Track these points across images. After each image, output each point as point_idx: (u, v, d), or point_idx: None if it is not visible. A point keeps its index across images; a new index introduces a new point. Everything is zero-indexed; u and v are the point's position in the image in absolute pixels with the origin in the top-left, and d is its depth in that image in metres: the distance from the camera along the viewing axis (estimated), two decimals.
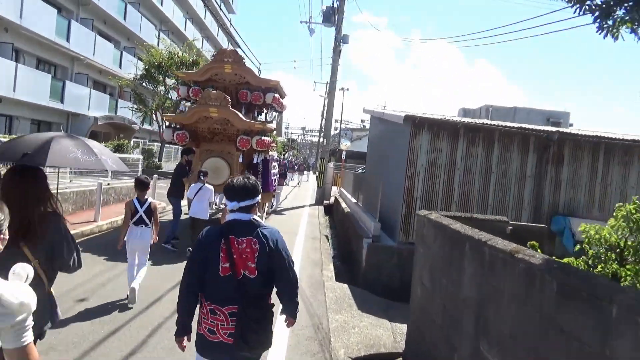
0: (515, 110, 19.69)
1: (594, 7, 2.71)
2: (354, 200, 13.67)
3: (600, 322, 1.80)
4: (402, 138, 8.80)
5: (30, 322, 1.49)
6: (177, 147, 29.98)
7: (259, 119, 12.16)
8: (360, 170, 24.70)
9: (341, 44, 19.34)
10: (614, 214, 3.40)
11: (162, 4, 31.99)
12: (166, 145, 26.35)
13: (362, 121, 70.83)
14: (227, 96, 9.96)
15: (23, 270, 1.55)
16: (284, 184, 18.93)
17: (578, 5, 2.74)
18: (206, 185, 7.66)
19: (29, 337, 1.48)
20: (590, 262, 3.53)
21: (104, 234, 9.30)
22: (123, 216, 5.65)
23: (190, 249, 6.81)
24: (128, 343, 4.33)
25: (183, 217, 9.08)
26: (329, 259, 8.97)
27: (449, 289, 3.73)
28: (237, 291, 2.29)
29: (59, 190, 5.99)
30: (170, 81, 24.21)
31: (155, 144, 27.06)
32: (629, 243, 3.35)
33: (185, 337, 2.44)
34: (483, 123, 8.61)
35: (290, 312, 2.60)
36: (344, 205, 15.07)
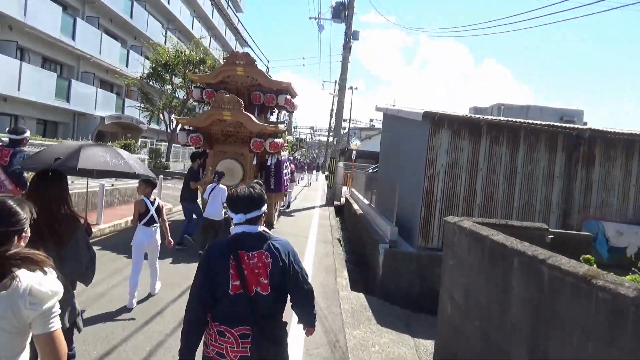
0: (528, 108, 19.07)
1: None
2: (366, 202, 13.14)
3: None
4: (420, 136, 8.26)
5: (57, 310, 1.60)
6: (185, 147, 29.76)
7: (270, 119, 12.30)
8: (370, 170, 24.19)
9: (351, 40, 18.80)
10: None
11: (169, 2, 31.65)
12: (174, 145, 26.04)
13: (371, 120, 70.22)
14: (240, 100, 10.07)
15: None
16: (295, 182, 18.86)
17: None
18: (220, 185, 7.54)
19: (56, 324, 1.59)
20: None
21: (106, 238, 8.88)
22: (128, 219, 5.40)
23: (202, 252, 7.05)
24: None
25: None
26: (343, 265, 8.46)
27: (491, 311, 3.21)
28: (248, 310, 2.11)
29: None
30: (177, 80, 23.86)
31: (163, 143, 26.73)
32: None
33: None
34: (508, 120, 8.04)
35: (309, 322, 2.42)
36: (355, 206, 14.54)
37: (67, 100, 21.02)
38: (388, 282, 7.51)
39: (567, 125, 8.62)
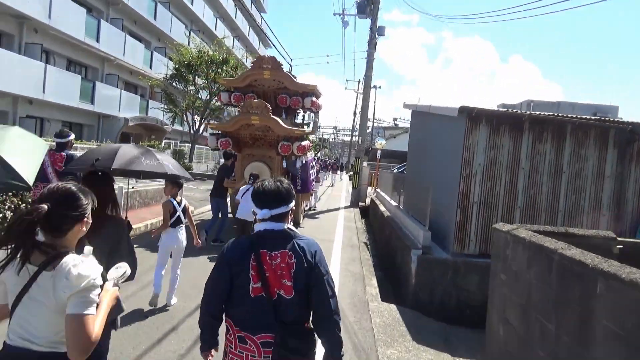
0: (559, 105, 18.13)
1: None
2: (394, 203, 12.54)
3: None
4: (455, 134, 7.65)
5: (94, 298, 1.66)
6: (208, 148, 29.67)
7: (296, 120, 12.59)
8: (395, 170, 23.49)
9: (377, 36, 18.18)
10: None
11: (192, 3, 31.65)
12: (197, 146, 25.93)
13: (395, 119, 69.33)
14: (267, 104, 10.35)
15: (127, 269, 1.91)
16: (320, 182, 18.77)
17: None
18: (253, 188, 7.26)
19: (91, 310, 1.63)
20: None
21: None
22: (148, 222, 5.27)
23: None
24: None
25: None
26: (371, 272, 7.90)
27: (563, 343, 2.63)
28: (271, 315, 1.94)
29: None
30: (200, 81, 23.70)
31: (187, 145, 26.66)
32: None
33: (212, 350, 2.14)
34: (553, 115, 7.35)
35: (332, 352, 2.01)
36: (382, 208, 13.95)
37: (92, 102, 21.10)
38: (421, 291, 6.93)
39: (621, 119, 7.84)
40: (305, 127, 11.76)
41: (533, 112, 7.38)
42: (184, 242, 5.24)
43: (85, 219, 1.79)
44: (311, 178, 11.95)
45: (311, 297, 1.99)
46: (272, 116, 10.23)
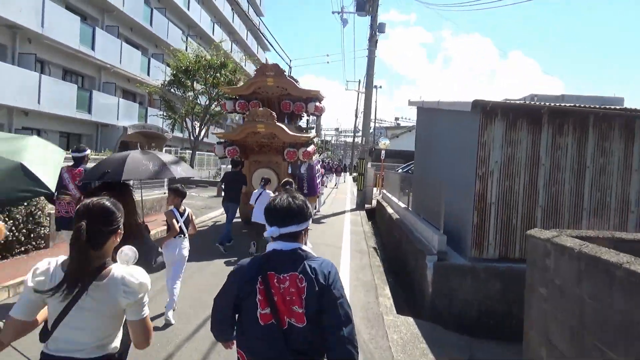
0: (563, 97, 17.63)
1: None
2: (402, 205, 12.04)
3: None
4: (469, 130, 7.16)
5: (147, 300, 1.85)
6: (209, 154, 29.29)
7: (299, 123, 12.96)
8: (400, 170, 22.99)
9: (377, 33, 17.72)
10: None
11: (188, 9, 31.28)
12: (198, 152, 25.49)
13: (397, 119, 68.82)
14: (273, 112, 10.65)
15: (131, 251, 1.89)
16: (325, 185, 18.78)
17: None
18: (266, 191, 7.82)
19: (146, 311, 1.84)
20: None
21: None
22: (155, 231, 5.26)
23: (253, 250, 7.99)
24: None
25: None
26: (383, 280, 7.41)
27: None
28: (282, 346, 1.75)
29: None
30: (198, 86, 23.26)
31: (187, 151, 26.21)
32: None
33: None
34: (574, 106, 6.85)
35: None
36: (390, 210, 13.45)
37: (89, 111, 20.69)
38: (439, 301, 6.43)
39: None
40: (311, 132, 12.13)
41: (552, 104, 6.88)
42: (186, 253, 5.11)
43: (120, 231, 1.92)
44: (317, 181, 12.11)
45: (322, 323, 1.76)
46: (277, 123, 10.53)
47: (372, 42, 17.80)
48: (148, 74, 25.67)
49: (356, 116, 58.00)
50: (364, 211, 17.07)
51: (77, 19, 19.29)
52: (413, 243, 8.25)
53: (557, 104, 6.90)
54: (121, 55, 22.98)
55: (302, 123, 13.55)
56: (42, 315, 1.86)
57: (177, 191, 5.08)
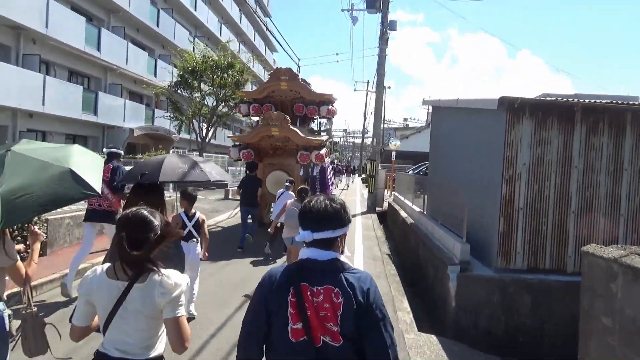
0: (576, 97, 17.02)
1: None
2: (416, 209, 11.50)
3: None
4: (493, 129, 6.62)
5: (183, 300, 1.93)
6: (217, 156, 28.87)
7: (311, 126, 13.33)
8: (411, 172, 22.41)
9: (388, 30, 17.19)
10: None
11: (195, 9, 30.98)
12: (205, 154, 25.12)
13: (405, 120, 68.11)
14: (286, 116, 10.94)
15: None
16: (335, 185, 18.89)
17: None
18: (289, 192, 7.92)
19: (182, 311, 1.91)
20: None
21: None
22: None
23: (268, 250, 8.19)
24: None
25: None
26: (401, 292, 6.88)
27: None
28: None
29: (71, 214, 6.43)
30: (205, 87, 22.88)
31: (195, 153, 25.86)
32: None
33: None
34: (611, 103, 6.27)
35: None
36: (403, 214, 12.90)
37: (95, 113, 20.40)
38: (463, 316, 5.89)
39: None
40: (323, 134, 12.54)
41: (586, 100, 6.32)
42: (197, 256, 5.03)
43: (159, 238, 1.99)
44: (329, 182, 12.38)
45: (364, 346, 1.61)
46: (291, 127, 10.84)
47: (383, 40, 17.27)
48: (155, 75, 25.36)
49: (365, 117, 57.46)
50: (375, 214, 16.54)
51: (82, 20, 19.01)
52: (431, 251, 7.72)
53: (592, 101, 6.33)
54: (127, 56, 22.69)
55: (314, 126, 13.90)
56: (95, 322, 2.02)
57: (185, 194, 4.90)
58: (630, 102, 6.47)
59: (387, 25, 16.98)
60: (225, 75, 22.00)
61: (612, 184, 6.25)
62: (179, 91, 22.79)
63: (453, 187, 8.36)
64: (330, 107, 12.12)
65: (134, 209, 2.01)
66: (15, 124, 16.93)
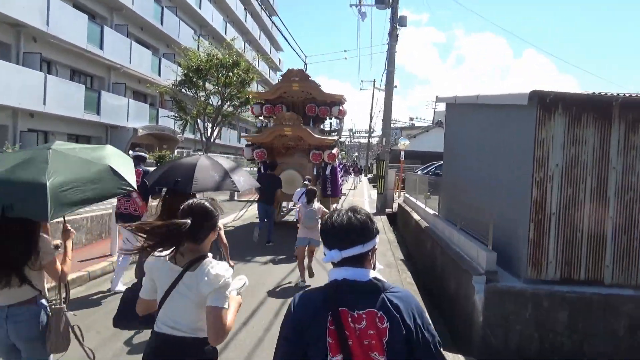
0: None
1: None
2: (431, 212, 10.95)
3: None
4: (522, 126, 6.08)
5: (228, 294, 2.01)
6: (222, 156, 28.38)
7: (322, 126, 13.70)
8: (419, 172, 21.84)
9: (398, 27, 16.64)
10: None
11: (200, 8, 30.54)
12: (210, 154, 24.69)
13: (411, 119, 67.36)
14: (299, 116, 11.32)
15: (242, 280, 2.37)
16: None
17: None
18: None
19: (223, 303, 1.97)
20: None
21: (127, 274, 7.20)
22: None
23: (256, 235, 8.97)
24: None
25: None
26: (421, 305, 6.35)
27: None
28: None
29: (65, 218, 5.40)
30: (210, 86, 22.41)
31: (200, 153, 25.43)
32: None
33: None
34: None
35: None
36: (415, 216, 12.36)
37: (98, 112, 19.99)
38: (492, 333, 5.35)
39: None
40: (334, 134, 12.81)
41: (625, 94, 5.75)
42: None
43: (216, 228, 2.18)
44: (340, 182, 12.57)
45: None
46: (303, 127, 11.15)
47: (393, 36, 16.74)
48: (159, 75, 24.91)
49: (371, 117, 56.91)
50: (385, 216, 15.99)
51: (84, 17, 18.60)
52: (451, 258, 7.18)
53: (632, 95, 5.76)
54: (131, 55, 22.27)
55: (323, 126, 14.13)
56: None
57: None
58: None
59: (397, 21, 16.43)
60: (231, 73, 21.54)
61: None
62: (183, 90, 22.35)
63: (473, 190, 7.83)
64: (341, 107, 12.37)
65: (196, 199, 2.17)
66: (16, 124, 16.55)
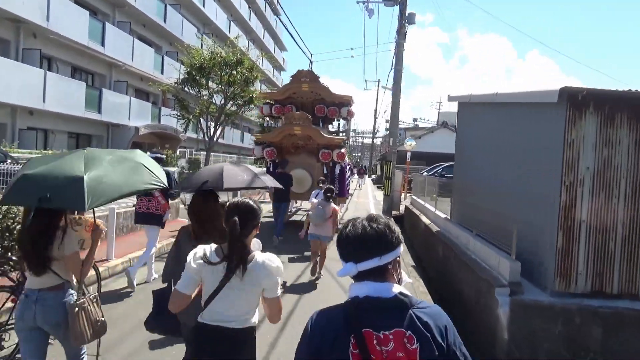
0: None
1: None
2: (442, 215, 10.51)
3: None
4: (549, 126, 5.64)
5: (281, 282, 2.22)
6: (225, 156, 28.03)
7: (330, 127, 13.91)
8: (426, 173, 21.38)
9: (407, 24, 16.19)
10: None
11: (204, 5, 30.16)
12: (212, 154, 24.24)
13: (415, 120, 66.89)
14: (309, 116, 11.46)
15: (257, 244, 2.42)
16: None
17: None
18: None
19: (279, 291, 2.21)
20: None
21: (120, 279, 6.80)
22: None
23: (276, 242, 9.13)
24: None
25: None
26: None
27: None
28: None
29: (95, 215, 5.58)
30: (213, 84, 22.01)
31: (202, 153, 24.99)
32: None
33: None
34: None
35: None
36: (425, 219, 11.91)
37: (99, 111, 19.60)
38: (519, 351, 4.90)
39: None
40: (342, 135, 13.06)
41: None
42: None
43: (259, 225, 2.32)
44: (347, 182, 12.89)
45: None
46: (313, 126, 11.33)
47: (401, 34, 16.24)
48: (162, 73, 24.53)
49: (375, 117, 56.48)
50: (392, 219, 15.56)
51: (85, 13, 18.22)
52: (468, 266, 6.74)
53: None
54: (133, 53, 21.90)
55: (330, 127, 14.35)
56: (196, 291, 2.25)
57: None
58: None
59: (406, 19, 15.97)
60: (234, 72, 21.13)
61: None
62: (186, 89, 21.95)
63: (491, 193, 7.38)
64: (350, 109, 12.66)
65: (241, 198, 2.31)
66: (15, 122, 16.17)
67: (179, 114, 22.40)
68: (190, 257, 2.21)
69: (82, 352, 2.95)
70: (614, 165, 5.25)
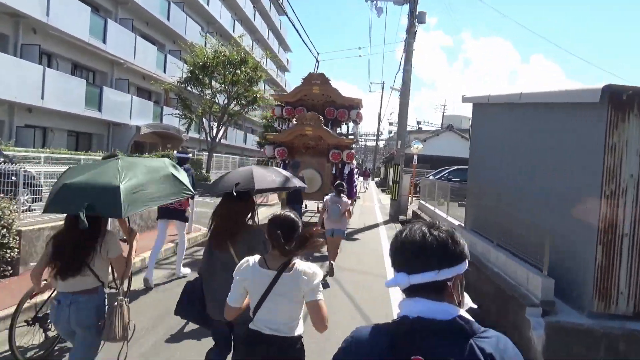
0: None
1: None
2: (455, 222, 9.99)
3: None
4: (586, 129, 5.12)
5: (321, 288, 2.28)
6: (227, 156, 27.57)
7: (338, 130, 14.04)
8: (431, 177, 20.84)
9: (416, 23, 15.71)
10: None
11: (208, 4, 29.78)
12: (215, 154, 23.78)
13: (418, 123, 66.35)
14: (320, 116, 11.62)
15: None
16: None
17: None
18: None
19: (321, 296, 2.25)
20: None
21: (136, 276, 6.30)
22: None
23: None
24: None
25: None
26: None
27: None
28: None
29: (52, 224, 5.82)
30: (216, 84, 21.55)
31: (204, 153, 24.55)
32: None
33: None
34: None
35: None
36: None
37: (99, 109, 19.17)
38: None
39: None
40: (351, 137, 13.30)
41: None
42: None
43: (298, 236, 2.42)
44: (355, 183, 13.09)
45: None
46: (324, 127, 11.52)
47: (411, 33, 15.79)
48: (164, 71, 24.15)
49: (379, 120, 56.03)
50: (400, 224, 15.05)
51: (86, 9, 17.80)
52: (491, 280, 6.22)
53: None
54: (135, 50, 21.49)
55: (339, 130, 14.45)
56: (245, 302, 2.37)
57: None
58: None
59: (416, 17, 15.49)
60: (238, 71, 20.67)
61: None
62: (188, 88, 21.48)
63: (514, 202, 6.85)
64: (359, 111, 12.95)
65: (284, 212, 2.49)
66: (12, 119, 15.74)
67: (181, 113, 22.00)
68: (236, 271, 2.36)
69: (95, 354, 3.02)
70: None
